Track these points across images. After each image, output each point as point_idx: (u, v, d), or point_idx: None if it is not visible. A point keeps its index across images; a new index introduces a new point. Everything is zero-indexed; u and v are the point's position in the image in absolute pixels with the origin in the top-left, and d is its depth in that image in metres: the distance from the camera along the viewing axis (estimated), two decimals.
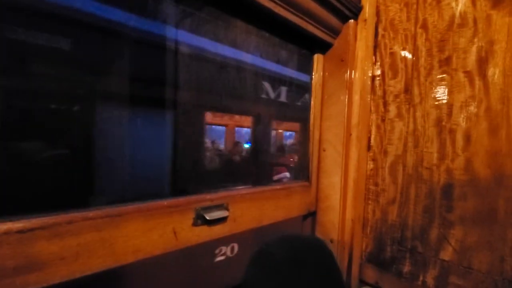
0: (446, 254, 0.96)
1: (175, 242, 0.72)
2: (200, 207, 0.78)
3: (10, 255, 0.50)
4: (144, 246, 0.66)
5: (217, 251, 0.87)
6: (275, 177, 1.56)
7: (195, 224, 0.77)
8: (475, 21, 0.91)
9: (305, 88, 1.22)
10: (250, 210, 0.92)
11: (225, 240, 0.88)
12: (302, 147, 1.22)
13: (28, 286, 0.52)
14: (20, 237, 0.51)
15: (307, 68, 1.18)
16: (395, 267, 1.08)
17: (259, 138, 1.54)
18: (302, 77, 1.22)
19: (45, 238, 0.53)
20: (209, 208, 0.80)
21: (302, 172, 1.20)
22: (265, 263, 0.63)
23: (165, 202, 0.71)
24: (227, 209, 0.84)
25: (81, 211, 0.58)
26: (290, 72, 1.23)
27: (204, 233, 0.79)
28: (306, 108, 1.19)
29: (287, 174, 1.61)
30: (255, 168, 1.34)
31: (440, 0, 0.98)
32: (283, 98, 1.33)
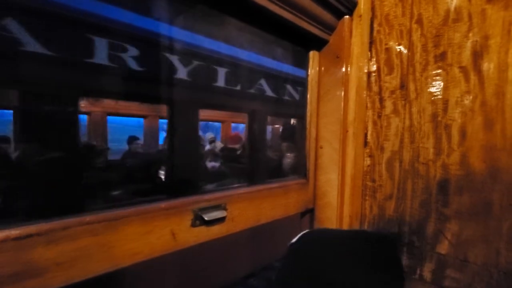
0: (443, 247, 0.98)
1: (173, 243, 0.72)
2: (198, 208, 0.78)
3: (7, 262, 0.50)
4: (142, 249, 0.66)
5: None
6: None
7: (193, 225, 0.77)
8: (470, 16, 0.90)
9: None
10: (248, 209, 0.92)
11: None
12: (299, 144, 1.22)
13: None
14: (17, 244, 0.51)
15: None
16: None
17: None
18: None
19: (42, 245, 0.53)
20: (207, 209, 0.80)
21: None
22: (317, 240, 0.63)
23: (163, 204, 0.71)
24: (225, 209, 0.85)
25: (77, 216, 0.58)
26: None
27: (203, 234, 0.79)
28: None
29: None
30: None
31: None
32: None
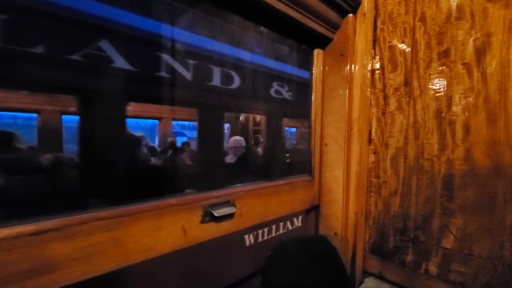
0: (448, 242, 0.99)
1: (184, 239, 0.73)
2: (207, 204, 0.78)
3: (22, 258, 0.50)
4: (154, 244, 0.67)
5: None
6: None
7: (203, 221, 0.77)
8: (472, 14, 0.92)
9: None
10: (256, 205, 0.93)
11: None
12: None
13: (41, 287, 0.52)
14: (32, 240, 0.51)
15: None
16: (398, 257, 1.11)
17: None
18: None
19: (58, 240, 0.53)
20: (217, 205, 0.81)
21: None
22: (283, 257, 0.67)
23: (173, 200, 0.72)
24: (234, 205, 0.85)
25: (92, 211, 0.58)
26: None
27: (212, 230, 0.80)
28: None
29: None
30: None
31: None
32: None
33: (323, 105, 1.17)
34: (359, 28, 1.09)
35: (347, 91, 1.10)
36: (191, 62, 1.02)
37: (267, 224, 1.01)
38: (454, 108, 0.96)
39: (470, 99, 0.93)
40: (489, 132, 0.90)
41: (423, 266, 1.04)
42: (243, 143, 2.59)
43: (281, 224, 1.08)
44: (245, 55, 1.11)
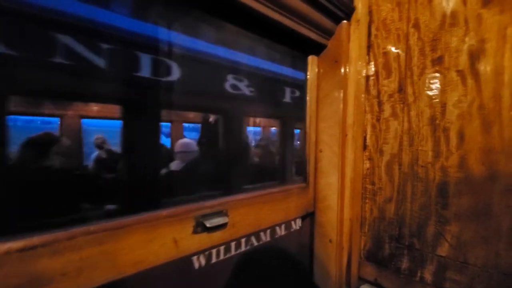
0: (443, 250, 0.98)
1: (175, 251, 0.73)
2: (199, 215, 0.79)
3: (11, 274, 0.51)
4: (145, 257, 0.67)
5: None
6: None
7: (195, 232, 0.77)
8: (466, 20, 0.91)
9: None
10: (249, 214, 0.93)
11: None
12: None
13: None
14: (21, 256, 0.52)
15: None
16: (393, 264, 1.10)
17: None
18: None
19: (47, 256, 0.54)
20: (209, 215, 0.81)
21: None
22: None
23: (164, 212, 0.72)
24: (226, 215, 0.85)
25: (81, 226, 0.59)
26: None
27: (205, 240, 0.80)
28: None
29: None
30: None
31: None
32: None
33: (317, 112, 1.17)
34: (353, 35, 1.09)
35: (342, 97, 1.10)
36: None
37: (261, 232, 1.01)
38: (448, 115, 0.95)
39: (465, 106, 0.92)
40: (483, 140, 0.89)
41: (418, 274, 1.04)
42: (193, 147, 2.20)
43: (276, 231, 1.08)
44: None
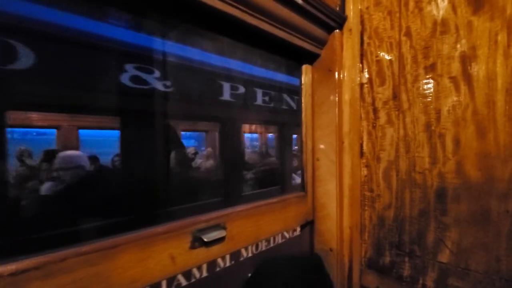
0: (444, 256, 0.97)
1: (172, 267, 0.72)
2: (196, 230, 0.77)
3: None
4: (140, 275, 0.66)
5: None
6: None
7: (192, 247, 0.76)
8: (457, 28, 0.93)
9: None
10: (247, 226, 0.92)
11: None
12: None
13: None
14: (13, 280, 0.50)
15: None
16: (395, 271, 1.09)
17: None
18: None
19: (39, 279, 0.52)
20: (206, 229, 0.80)
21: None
22: (265, 278, 0.67)
23: (160, 228, 0.71)
24: (224, 228, 0.84)
25: (73, 247, 0.58)
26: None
27: (202, 255, 0.78)
28: None
29: None
30: None
31: (422, 8, 0.99)
32: None
33: (313, 120, 1.17)
34: (346, 44, 1.10)
35: (337, 105, 1.10)
36: None
37: (260, 243, 1.00)
38: (443, 121, 0.96)
39: (459, 112, 0.93)
40: (479, 145, 0.90)
41: (420, 281, 1.02)
42: (81, 162, 1.69)
43: (276, 242, 1.07)
44: None
